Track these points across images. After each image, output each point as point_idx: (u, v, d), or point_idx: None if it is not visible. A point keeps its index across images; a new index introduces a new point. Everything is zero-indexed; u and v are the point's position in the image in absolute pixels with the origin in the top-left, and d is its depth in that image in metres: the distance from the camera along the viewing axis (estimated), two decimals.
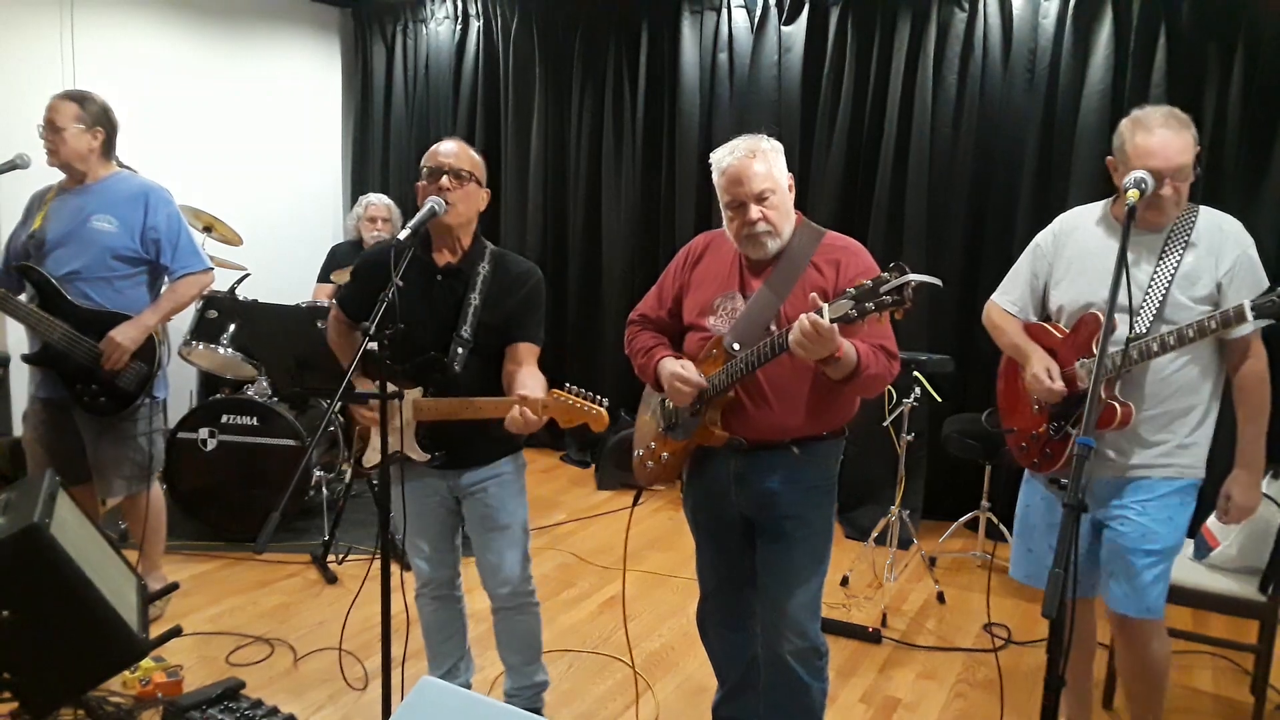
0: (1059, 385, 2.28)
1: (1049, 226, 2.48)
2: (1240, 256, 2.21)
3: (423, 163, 2.40)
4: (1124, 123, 2.23)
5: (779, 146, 2.21)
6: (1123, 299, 2.16)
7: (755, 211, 2.13)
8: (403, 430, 2.34)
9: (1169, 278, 2.20)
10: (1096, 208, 2.40)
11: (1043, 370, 2.31)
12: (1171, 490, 2.26)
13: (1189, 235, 2.22)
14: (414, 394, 2.37)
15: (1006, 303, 2.53)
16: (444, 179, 2.32)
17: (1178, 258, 2.21)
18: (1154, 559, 2.24)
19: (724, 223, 2.24)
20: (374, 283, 2.39)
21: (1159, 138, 2.14)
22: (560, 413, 2.16)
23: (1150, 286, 2.22)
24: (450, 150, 2.38)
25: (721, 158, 2.19)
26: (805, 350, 1.94)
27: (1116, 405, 2.20)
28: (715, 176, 2.21)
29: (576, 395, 2.15)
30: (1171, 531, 2.26)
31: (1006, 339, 2.50)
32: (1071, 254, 2.38)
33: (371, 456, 2.49)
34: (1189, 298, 2.19)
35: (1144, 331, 2.20)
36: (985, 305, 2.61)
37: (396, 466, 2.47)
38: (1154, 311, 2.20)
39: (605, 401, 2.16)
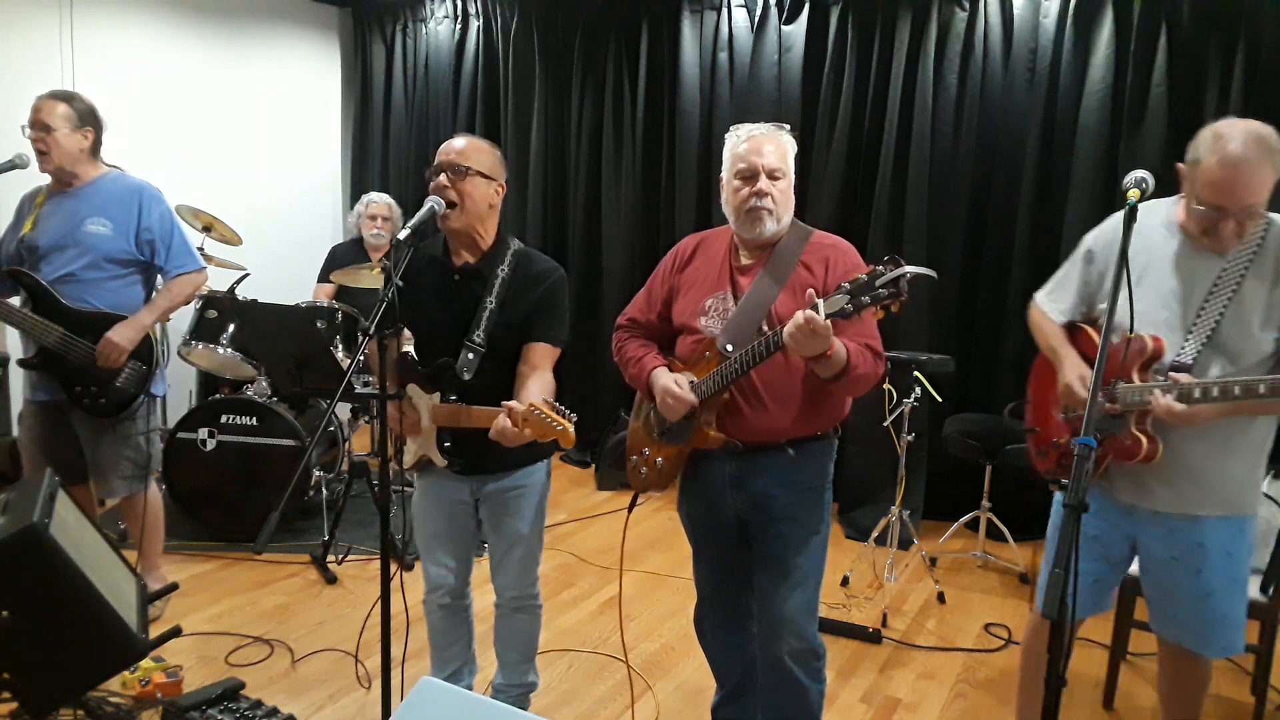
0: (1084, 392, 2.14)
1: (1102, 227, 2.27)
2: None
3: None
4: (1205, 132, 1.98)
5: (794, 144, 2.26)
6: (1175, 323, 2.06)
7: (765, 184, 2.15)
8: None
9: (1225, 301, 2.01)
10: (1162, 208, 2.16)
11: (1076, 379, 2.18)
12: (1224, 529, 2.13)
13: (1254, 253, 2.01)
14: (433, 399, 2.34)
15: (1055, 311, 2.35)
16: (441, 176, 2.28)
17: (1238, 279, 2.01)
18: (1215, 602, 2.16)
19: (724, 198, 2.24)
20: (409, 288, 2.34)
21: (1230, 171, 1.91)
22: (535, 426, 2.03)
23: (1204, 309, 2.04)
24: (453, 146, 2.31)
25: (742, 130, 2.22)
26: (799, 345, 1.94)
27: (1144, 439, 2.05)
28: (731, 146, 2.22)
29: (551, 409, 2.03)
30: (1229, 567, 2.15)
31: (1045, 341, 2.35)
32: (1129, 264, 2.16)
33: (408, 458, 2.47)
34: (1248, 325, 2.01)
35: (1190, 361, 2.03)
36: (1030, 302, 2.45)
37: (419, 469, 2.47)
38: (1205, 337, 2.03)
39: (575, 417, 2.04)
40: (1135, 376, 2.09)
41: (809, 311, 1.90)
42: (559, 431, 2.01)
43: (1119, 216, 2.21)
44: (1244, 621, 2.22)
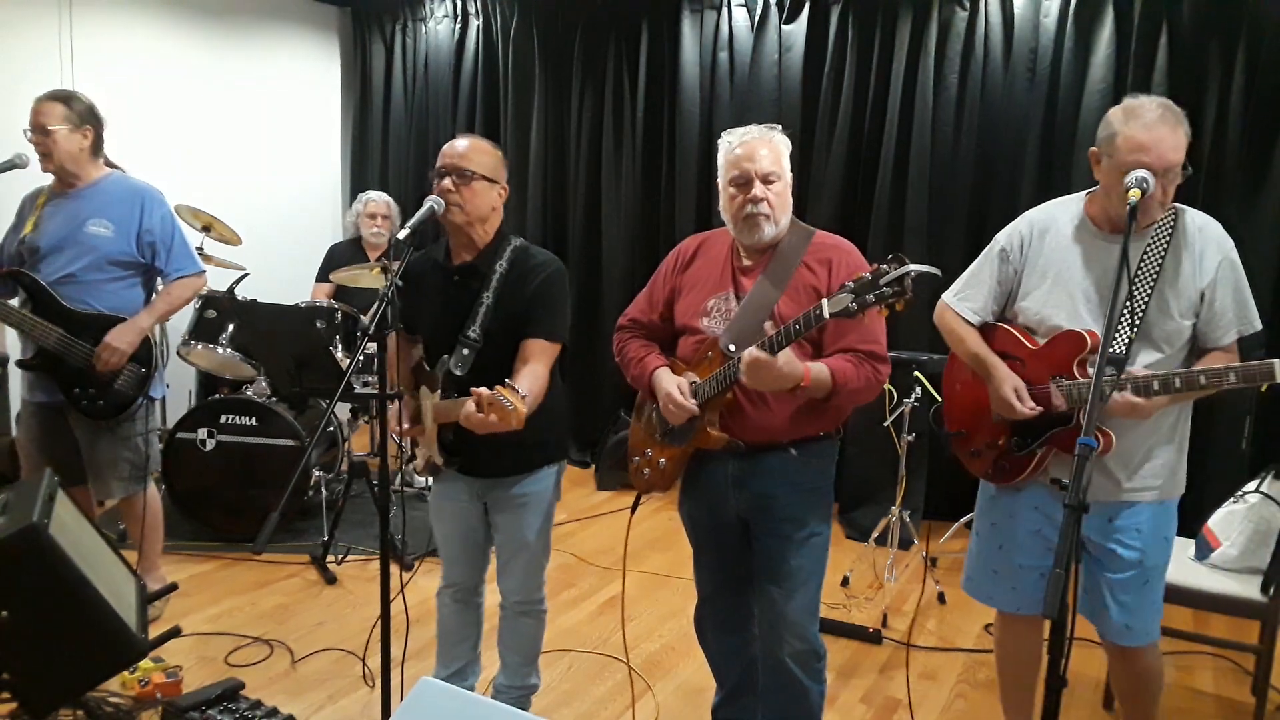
0: (1029, 407, 2.14)
1: (1014, 226, 2.29)
2: (1223, 262, 2.08)
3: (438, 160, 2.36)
4: (1114, 111, 2.07)
5: (788, 143, 2.23)
6: (1097, 314, 2.08)
7: (760, 190, 2.14)
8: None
9: (1148, 290, 2.07)
10: (1070, 204, 2.23)
11: (1010, 392, 2.16)
12: (1160, 513, 2.18)
13: (1168, 241, 2.07)
14: (435, 397, 2.34)
15: (966, 311, 2.34)
16: (447, 180, 2.28)
17: (1156, 267, 2.07)
18: (1152, 586, 2.19)
19: (721, 204, 2.23)
20: (412, 291, 2.40)
21: (1154, 132, 1.98)
22: (497, 410, 1.97)
23: (1130, 300, 2.08)
24: (458, 149, 2.30)
25: (733, 136, 2.20)
26: (759, 383, 1.95)
27: (1098, 434, 2.05)
28: (723, 153, 2.21)
29: (508, 391, 1.97)
30: (1164, 551, 2.20)
31: (966, 349, 2.32)
32: (1045, 264, 2.21)
33: (419, 461, 2.49)
34: (1170, 311, 2.07)
35: (1122, 351, 2.06)
36: (938, 304, 2.43)
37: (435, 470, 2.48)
38: (1134, 328, 2.07)
39: (526, 395, 2.00)
40: (1076, 372, 2.12)
41: (752, 350, 1.92)
42: (509, 412, 1.95)
43: (1030, 214, 2.31)
44: (1155, 613, 2.25)
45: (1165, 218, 2.10)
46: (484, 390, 2.01)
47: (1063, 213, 2.24)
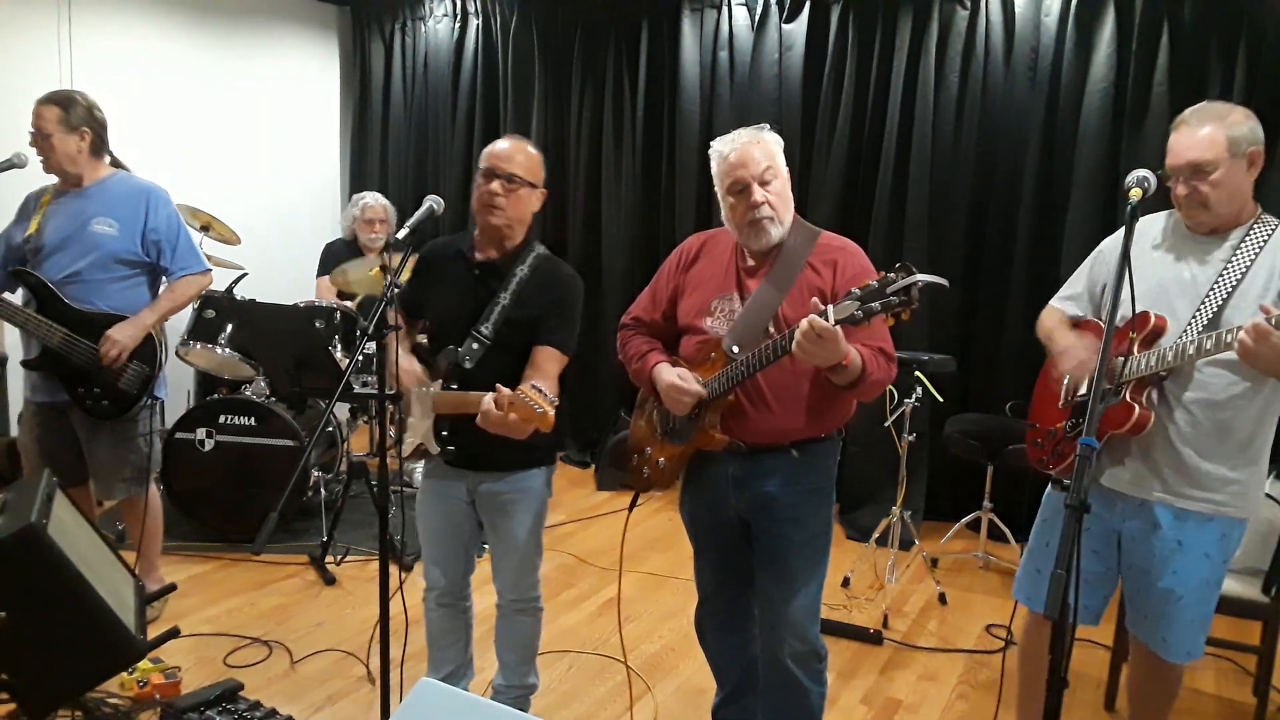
0: (1088, 354, 2.19)
1: (1116, 233, 2.32)
2: None
3: (480, 159, 2.38)
4: None
5: (779, 139, 2.20)
6: (1182, 308, 2.10)
7: (759, 194, 2.12)
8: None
9: (1229, 288, 2.07)
10: (1169, 214, 2.28)
11: (1073, 342, 2.24)
12: (1209, 528, 2.13)
13: (1260, 248, 2.07)
14: (436, 386, 2.35)
15: (1060, 301, 2.44)
16: (495, 183, 2.30)
17: (1243, 270, 2.07)
18: (1188, 604, 2.15)
19: (724, 214, 2.22)
20: (429, 278, 2.44)
21: (1175, 133, 2.08)
22: (520, 410, 2.02)
23: (1208, 296, 2.09)
24: (505, 152, 2.34)
25: (722, 145, 2.18)
26: (809, 355, 1.91)
27: (1136, 407, 2.08)
28: (716, 164, 2.19)
29: (535, 393, 2.02)
30: (1204, 568, 2.14)
31: (1043, 330, 2.42)
32: (1133, 259, 2.24)
33: (406, 446, 2.49)
34: (1245, 312, 2.03)
35: (1190, 341, 2.06)
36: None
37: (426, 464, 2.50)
38: (1205, 321, 2.07)
39: (556, 402, 2.04)
40: (1136, 351, 2.13)
41: (814, 317, 1.87)
42: (539, 415, 2.00)
43: (1140, 220, 2.28)
44: (1208, 626, 2.21)
45: (1263, 226, 2.10)
46: (506, 390, 2.05)
47: (1160, 218, 2.28)
